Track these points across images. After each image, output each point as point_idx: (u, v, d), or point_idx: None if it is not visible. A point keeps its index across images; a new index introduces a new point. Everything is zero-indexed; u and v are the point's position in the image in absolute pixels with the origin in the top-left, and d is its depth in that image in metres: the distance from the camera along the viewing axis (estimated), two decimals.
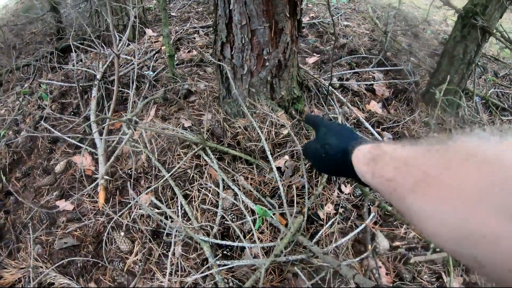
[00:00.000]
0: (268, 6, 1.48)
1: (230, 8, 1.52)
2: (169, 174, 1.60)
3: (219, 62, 1.73)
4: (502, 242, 0.34)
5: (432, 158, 0.48)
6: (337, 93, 2.04)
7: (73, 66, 2.52)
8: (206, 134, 1.70)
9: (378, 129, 1.96)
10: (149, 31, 2.84)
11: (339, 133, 0.92)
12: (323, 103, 2.01)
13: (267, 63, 1.64)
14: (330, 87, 2.01)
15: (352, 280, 1.17)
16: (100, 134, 1.99)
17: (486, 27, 1.99)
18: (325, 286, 1.28)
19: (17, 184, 2.09)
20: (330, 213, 1.53)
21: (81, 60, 2.68)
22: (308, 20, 3.01)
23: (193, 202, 1.54)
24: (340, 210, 1.58)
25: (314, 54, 2.56)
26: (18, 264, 1.65)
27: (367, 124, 1.94)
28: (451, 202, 0.41)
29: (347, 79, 2.30)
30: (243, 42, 1.58)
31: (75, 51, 2.75)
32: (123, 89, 2.24)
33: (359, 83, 2.26)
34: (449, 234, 0.42)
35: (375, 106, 2.17)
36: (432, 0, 2.37)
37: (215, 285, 1.29)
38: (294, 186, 1.55)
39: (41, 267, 1.62)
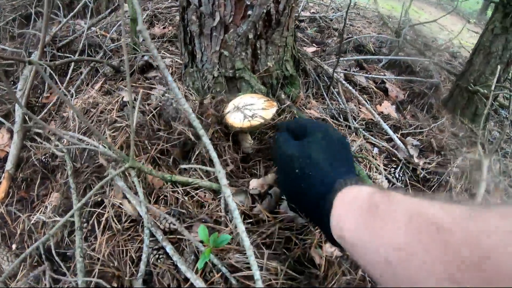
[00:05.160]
0: None
1: None
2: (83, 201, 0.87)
3: (182, 13, 1.04)
4: None
5: (491, 225, 0.30)
6: (344, 83, 1.35)
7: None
8: (150, 115, 0.98)
9: (397, 134, 1.27)
10: (126, 6, 2.15)
11: (332, 152, 0.61)
12: (325, 93, 1.32)
13: (250, 12, 0.95)
14: (335, 74, 1.32)
15: None
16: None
17: None
18: None
19: None
20: (332, 256, 0.80)
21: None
22: (309, 15, 2.35)
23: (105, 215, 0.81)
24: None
25: (314, 44, 1.88)
26: None
27: (385, 125, 1.24)
28: None
29: (354, 72, 1.61)
30: None
31: (35, 20, 2.06)
32: (68, 55, 1.53)
33: (368, 75, 1.58)
34: None
35: (388, 108, 1.48)
36: None
37: None
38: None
39: None
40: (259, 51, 1.02)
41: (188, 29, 1.04)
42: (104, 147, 0.89)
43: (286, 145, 0.67)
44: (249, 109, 0.91)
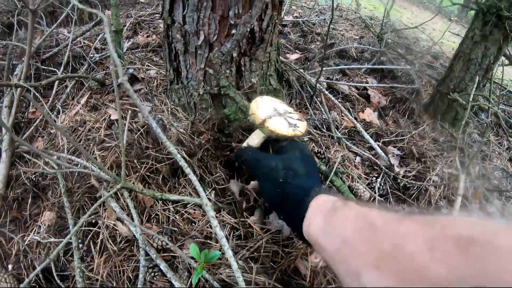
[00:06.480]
0: None
1: None
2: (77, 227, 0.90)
3: (167, 31, 1.07)
4: None
5: (411, 228, 0.40)
6: (326, 93, 1.40)
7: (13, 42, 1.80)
8: (138, 133, 1.02)
9: (378, 143, 1.33)
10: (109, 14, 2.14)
11: (307, 166, 0.77)
12: (308, 104, 1.37)
13: (234, 31, 0.99)
14: (318, 85, 1.37)
15: None
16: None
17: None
18: None
19: None
20: (317, 267, 0.86)
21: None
22: (292, 19, 2.40)
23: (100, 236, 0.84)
24: None
25: (297, 51, 1.93)
26: None
27: (366, 135, 1.30)
28: None
29: (336, 80, 1.67)
30: None
31: (17, 30, 2.04)
32: (53, 69, 1.54)
33: (351, 83, 1.64)
34: None
35: (370, 115, 1.55)
36: None
37: None
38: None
39: None
40: (243, 68, 1.06)
41: (172, 46, 1.07)
42: (94, 167, 0.92)
43: (270, 158, 0.80)
44: (290, 117, 0.90)
